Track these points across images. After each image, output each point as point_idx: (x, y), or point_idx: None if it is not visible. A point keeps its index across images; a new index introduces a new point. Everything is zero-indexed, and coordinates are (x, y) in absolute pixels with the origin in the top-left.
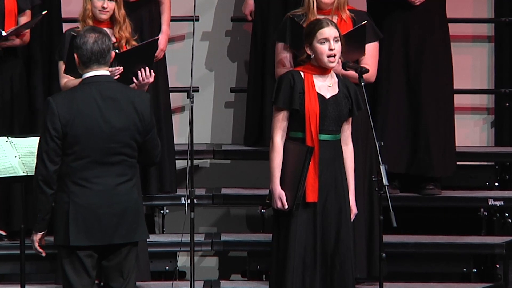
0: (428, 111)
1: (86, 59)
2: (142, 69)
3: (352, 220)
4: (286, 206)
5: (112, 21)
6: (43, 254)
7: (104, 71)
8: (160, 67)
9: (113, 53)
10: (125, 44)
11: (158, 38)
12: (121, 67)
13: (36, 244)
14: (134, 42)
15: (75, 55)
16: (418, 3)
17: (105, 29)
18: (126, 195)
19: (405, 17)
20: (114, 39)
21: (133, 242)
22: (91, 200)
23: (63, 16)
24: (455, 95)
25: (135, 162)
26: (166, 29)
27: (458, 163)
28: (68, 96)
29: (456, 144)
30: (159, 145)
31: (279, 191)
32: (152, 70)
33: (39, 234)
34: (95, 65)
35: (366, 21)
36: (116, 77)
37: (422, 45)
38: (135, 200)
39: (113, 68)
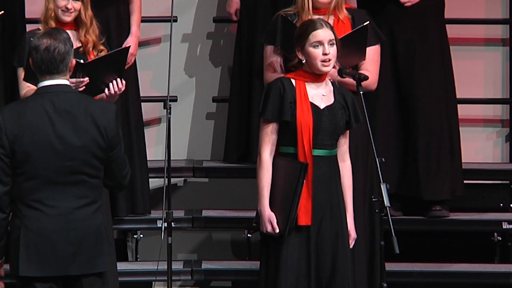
0: (417, 126)
1: (36, 67)
2: (114, 81)
3: (351, 245)
4: (277, 230)
5: (77, 23)
6: (2, 286)
7: (61, 80)
8: (129, 74)
9: (73, 61)
10: (92, 49)
11: (129, 47)
12: (87, 79)
13: None
14: (101, 47)
15: (30, 60)
16: (409, 4)
17: (69, 31)
18: (86, 220)
19: (394, 19)
20: (79, 43)
21: (95, 273)
22: (44, 225)
23: (27, 16)
24: (464, 106)
25: (99, 182)
26: (135, 31)
27: (468, 182)
28: (17, 109)
29: (466, 160)
30: (127, 164)
31: (268, 213)
32: (122, 80)
33: None
34: (47, 75)
35: (368, 22)
36: (80, 89)
37: (413, 51)
38: (97, 227)
39: (77, 80)
